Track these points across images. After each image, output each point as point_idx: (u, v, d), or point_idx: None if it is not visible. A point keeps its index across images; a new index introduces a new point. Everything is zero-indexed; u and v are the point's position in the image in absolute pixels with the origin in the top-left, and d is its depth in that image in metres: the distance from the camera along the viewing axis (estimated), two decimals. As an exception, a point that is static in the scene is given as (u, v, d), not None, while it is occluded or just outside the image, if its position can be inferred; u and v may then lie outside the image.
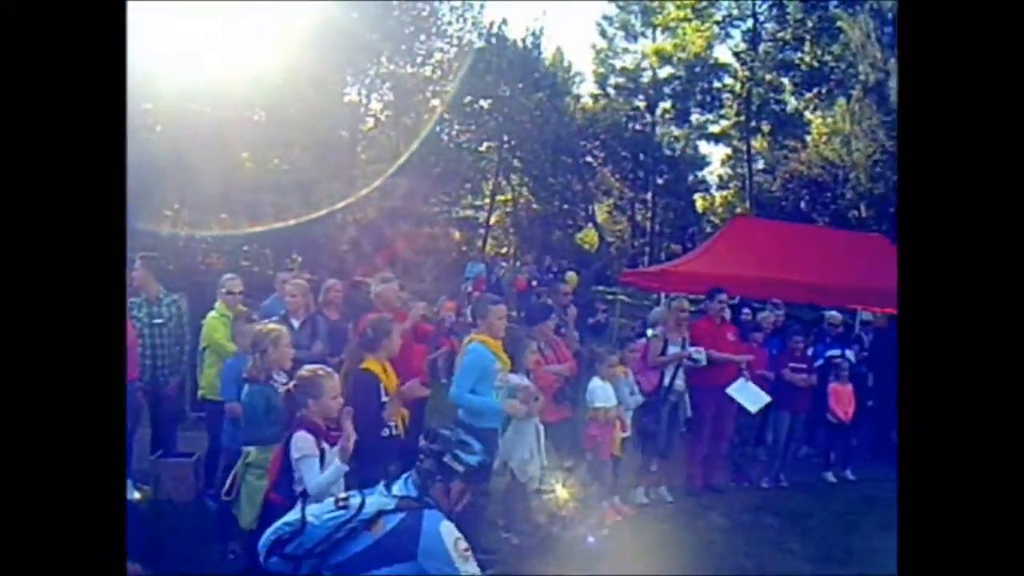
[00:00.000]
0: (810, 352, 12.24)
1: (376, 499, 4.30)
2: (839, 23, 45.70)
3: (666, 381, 9.90)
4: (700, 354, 10.09)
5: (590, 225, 49.74)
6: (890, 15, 46.89)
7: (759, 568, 8.05)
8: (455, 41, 36.93)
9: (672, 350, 10.00)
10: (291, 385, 5.36)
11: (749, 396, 10.45)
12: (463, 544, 4.20)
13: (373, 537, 4.16)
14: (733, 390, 10.34)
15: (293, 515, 4.32)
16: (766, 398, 10.63)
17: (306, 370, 5.52)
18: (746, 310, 13.15)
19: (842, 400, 11.90)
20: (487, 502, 7.91)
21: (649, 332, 11.03)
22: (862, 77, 46.02)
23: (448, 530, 4.19)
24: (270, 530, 4.30)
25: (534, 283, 24.43)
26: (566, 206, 47.60)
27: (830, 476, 11.97)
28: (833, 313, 13.79)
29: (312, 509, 4.30)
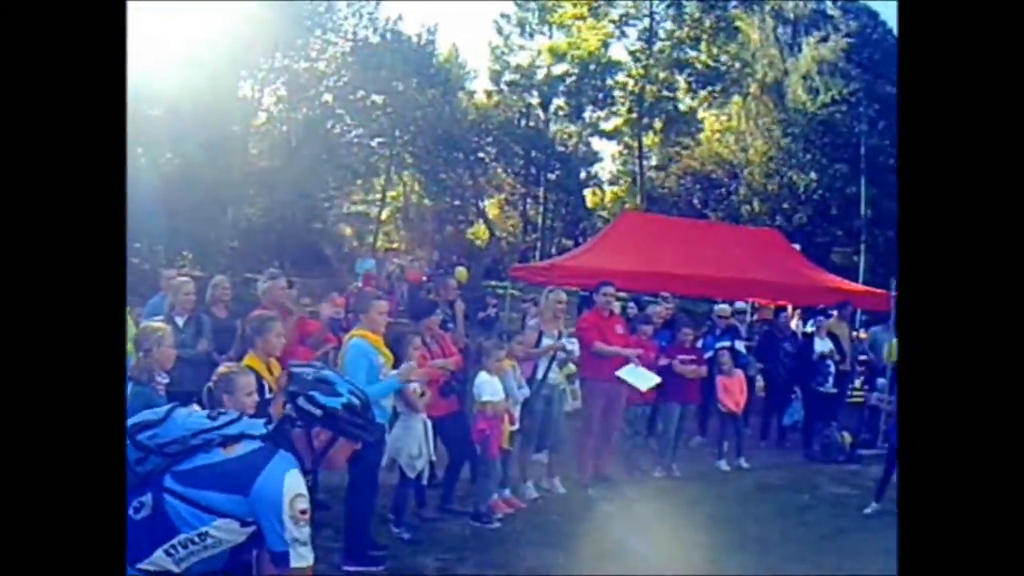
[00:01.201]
0: (700, 344, 12.41)
1: (248, 423, 3.92)
2: (737, 23, 46.46)
3: (539, 374, 9.88)
4: (573, 345, 10.14)
5: (481, 220, 49.81)
6: (790, 15, 47.96)
7: (653, 557, 8.07)
8: (350, 36, 36.70)
9: (547, 342, 10.01)
10: (210, 383, 5.19)
11: (638, 377, 10.48)
12: (302, 504, 3.66)
13: (223, 456, 3.72)
14: (623, 373, 10.38)
15: (162, 408, 3.95)
16: (655, 378, 10.67)
17: (223, 367, 5.42)
18: (632, 304, 13.28)
19: (732, 391, 12.13)
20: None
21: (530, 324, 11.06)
22: (759, 76, 46.86)
23: (292, 482, 3.66)
24: (137, 416, 3.88)
25: (425, 278, 24.34)
26: (457, 202, 47.71)
27: (723, 465, 12.14)
28: (722, 306, 14.04)
29: (181, 410, 3.92)
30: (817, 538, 9.20)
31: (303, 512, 3.65)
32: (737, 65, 47.12)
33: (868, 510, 10.34)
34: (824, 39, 46.78)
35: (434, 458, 8.31)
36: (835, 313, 15.33)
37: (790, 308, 18.19)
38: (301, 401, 3.76)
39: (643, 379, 10.52)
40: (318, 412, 3.74)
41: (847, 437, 13.36)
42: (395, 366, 7.64)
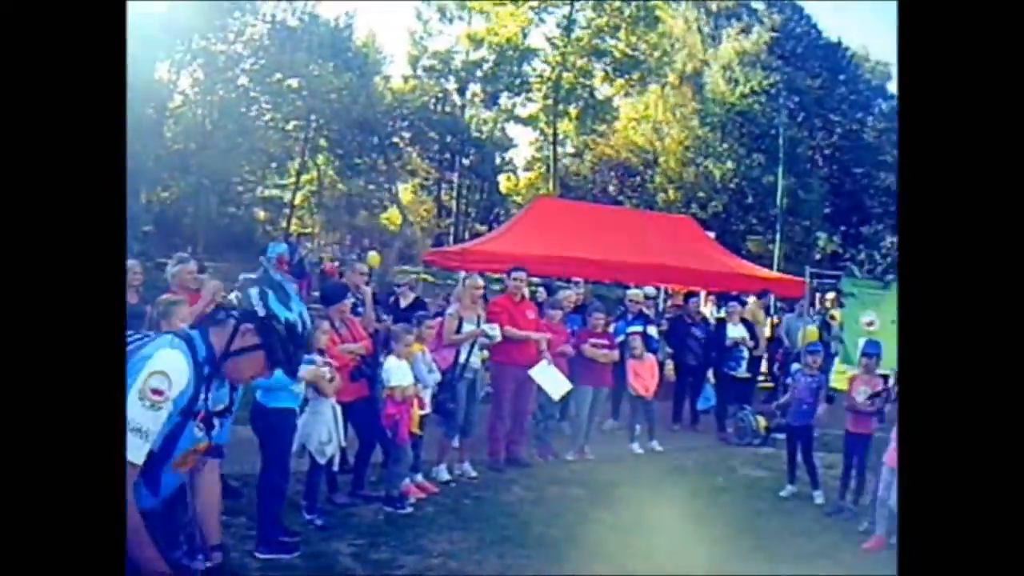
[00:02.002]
0: (612, 329, 12.42)
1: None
2: (658, 12, 46.80)
3: (462, 358, 9.84)
4: (494, 330, 10.08)
5: (395, 205, 49.71)
6: (713, 6, 48.49)
7: (566, 539, 8.05)
8: (268, 19, 36.29)
9: (467, 327, 9.96)
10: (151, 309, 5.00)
11: (551, 381, 10.56)
12: (157, 383, 3.24)
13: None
14: (535, 373, 10.40)
15: None
16: (567, 385, 10.76)
17: (163, 297, 5.83)
18: (541, 289, 13.27)
19: (642, 375, 12.14)
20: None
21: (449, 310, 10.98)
22: (678, 66, 47.32)
23: (162, 359, 3.30)
24: None
25: (337, 263, 24.15)
26: (372, 186, 47.53)
27: (636, 448, 12.17)
28: (634, 291, 14.07)
29: None
30: (733, 519, 9.22)
31: (156, 393, 3.24)
32: (656, 54, 47.52)
33: (784, 492, 10.44)
34: (746, 31, 47.41)
35: (344, 443, 8.21)
36: (752, 299, 15.49)
37: (702, 294, 18.34)
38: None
39: (554, 384, 10.61)
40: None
41: (761, 421, 13.47)
42: (307, 350, 7.46)
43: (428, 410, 9.22)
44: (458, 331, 9.92)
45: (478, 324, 10.06)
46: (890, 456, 8.53)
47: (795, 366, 14.59)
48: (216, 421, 3.57)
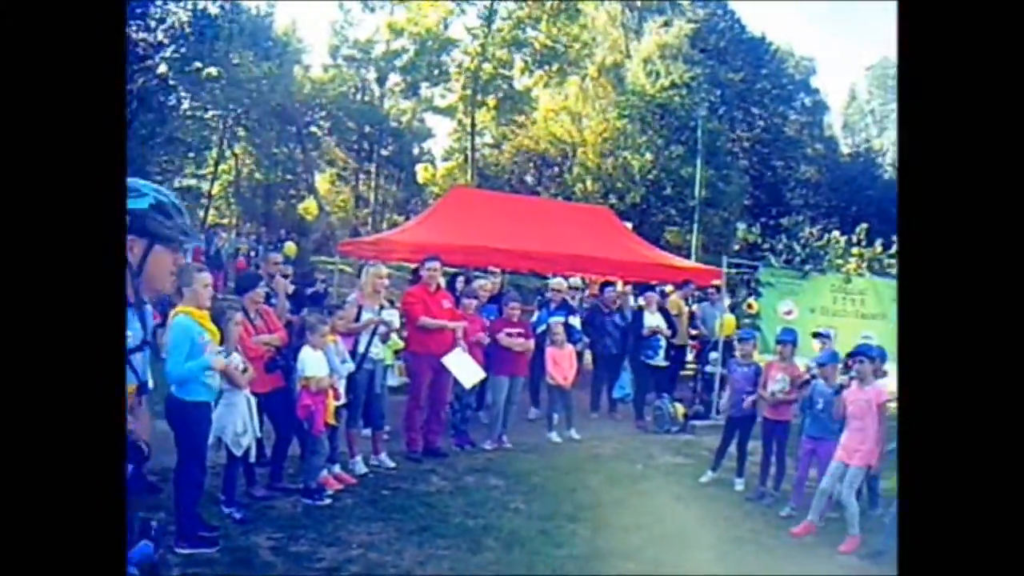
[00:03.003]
0: (532, 318, 12.43)
1: None
2: (580, 5, 46.97)
3: (361, 348, 9.74)
4: (392, 316, 10.02)
5: (312, 195, 49.42)
6: (638, 2, 48.75)
7: (484, 529, 8.04)
8: (189, 6, 35.73)
9: (367, 316, 9.87)
10: None
11: (464, 369, 10.52)
12: None
13: None
14: (448, 361, 10.37)
15: None
16: (481, 373, 10.75)
17: None
18: (459, 280, 13.24)
19: (561, 364, 12.13)
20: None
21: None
22: (599, 58, 47.53)
23: None
24: None
25: (253, 254, 23.90)
26: (289, 176, 47.18)
27: (555, 436, 12.18)
28: (557, 280, 14.09)
29: None
30: (652, 506, 9.27)
31: None
32: (576, 47, 47.69)
33: (704, 479, 10.51)
34: (669, 25, 47.79)
35: (259, 435, 8.09)
36: (672, 289, 15.61)
37: (619, 284, 18.43)
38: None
39: (468, 372, 10.57)
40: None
41: (680, 408, 13.58)
42: (221, 341, 7.38)
43: (343, 400, 9.13)
44: (357, 319, 9.83)
45: (379, 313, 9.97)
46: (843, 452, 8.69)
47: (713, 355, 14.79)
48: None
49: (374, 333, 9.86)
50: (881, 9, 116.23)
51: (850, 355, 9.28)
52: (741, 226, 44.61)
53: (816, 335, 11.40)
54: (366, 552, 7.23)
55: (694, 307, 16.63)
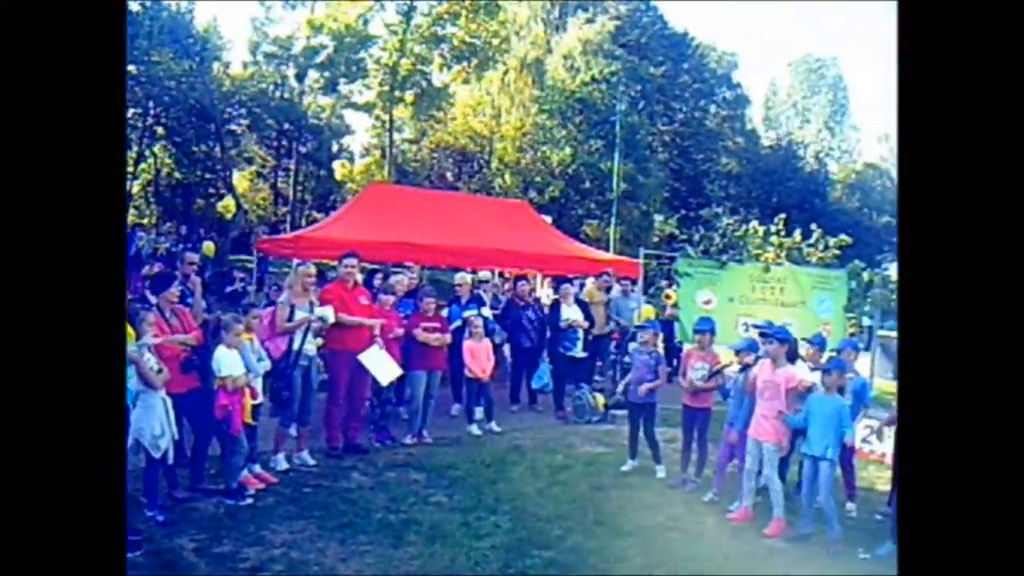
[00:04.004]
0: (446, 313, 12.45)
1: None
2: (500, 1, 46.95)
3: (295, 346, 9.71)
4: (327, 312, 9.97)
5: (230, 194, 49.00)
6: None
7: (406, 523, 8.06)
8: (108, 2, 35.15)
9: (299, 314, 9.82)
10: None
11: (380, 366, 10.52)
12: None
13: None
14: (365, 358, 10.38)
15: None
16: (397, 370, 10.74)
17: None
18: (379, 275, 13.21)
19: (479, 357, 12.17)
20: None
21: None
22: (519, 53, 47.56)
23: None
24: None
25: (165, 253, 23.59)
26: (209, 175, 46.62)
27: (475, 429, 12.22)
28: (461, 275, 14.13)
29: None
30: (574, 495, 9.37)
31: None
32: (495, 42, 47.68)
33: (625, 467, 10.60)
34: (591, 20, 47.99)
35: (177, 436, 8.01)
36: (590, 281, 15.70)
37: (539, 277, 18.51)
38: None
39: (384, 370, 10.58)
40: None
41: (599, 399, 13.70)
42: (136, 340, 7.34)
43: (260, 399, 9.09)
44: (290, 318, 9.78)
45: (311, 311, 9.92)
46: (754, 430, 8.86)
47: (632, 345, 14.90)
48: None
49: (307, 331, 9.84)
50: (805, 7, 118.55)
51: (762, 334, 9.43)
52: (659, 218, 45.10)
53: (756, 326, 11.56)
54: (288, 551, 7.22)
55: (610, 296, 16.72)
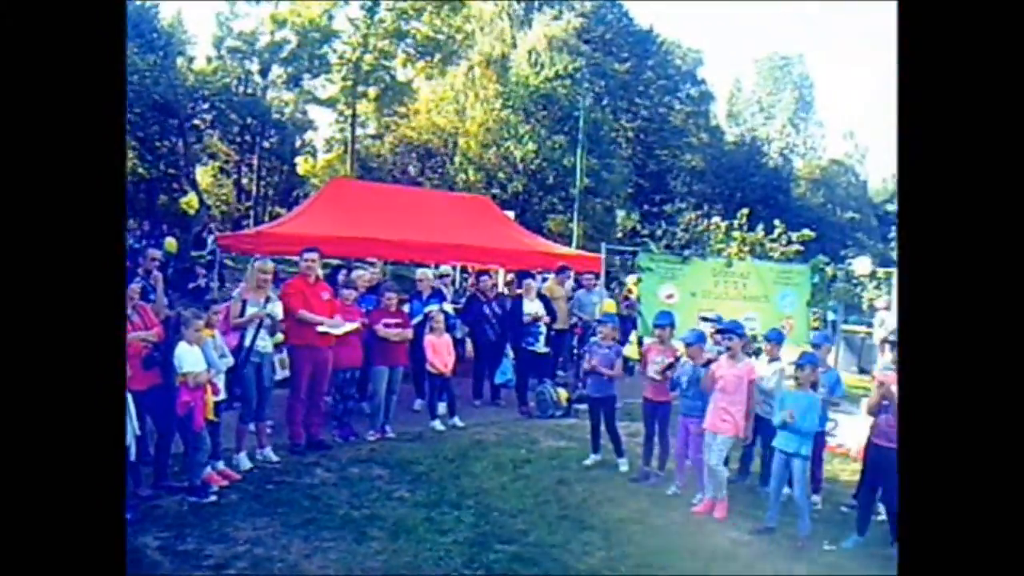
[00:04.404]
0: (408, 308, 12.45)
1: None
2: (464, -2, 46.94)
3: (247, 342, 9.67)
4: (276, 308, 9.95)
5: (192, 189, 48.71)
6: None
7: (369, 519, 8.09)
8: (67, -2, 34.91)
9: (250, 310, 9.80)
10: None
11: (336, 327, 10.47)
12: None
13: None
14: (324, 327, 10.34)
15: None
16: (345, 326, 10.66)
17: None
18: (342, 272, 13.18)
19: (440, 352, 12.18)
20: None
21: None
22: (485, 49, 47.51)
23: None
24: None
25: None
26: (172, 170, 46.26)
27: (438, 424, 12.22)
28: (423, 270, 14.12)
29: None
30: (537, 491, 9.41)
31: None
32: (459, 37, 47.65)
33: (588, 461, 10.65)
34: (557, 17, 48.04)
35: (139, 433, 8.02)
36: (552, 277, 15.75)
37: (502, 272, 18.54)
38: None
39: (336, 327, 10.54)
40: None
41: (562, 393, 13.76)
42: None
43: (222, 396, 9.06)
44: (242, 314, 9.75)
45: (264, 307, 9.90)
46: (712, 423, 8.97)
47: (594, 339, 14.98)
48: None
49: (259, 327, 9.79)
50: (771, 5, 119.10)
51: (720, 331, 9.52)
52: (621, 213, 45.23)
53: (705, 319, 11.64)
54: (252, 548, 7.22)
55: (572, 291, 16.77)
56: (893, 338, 9.64)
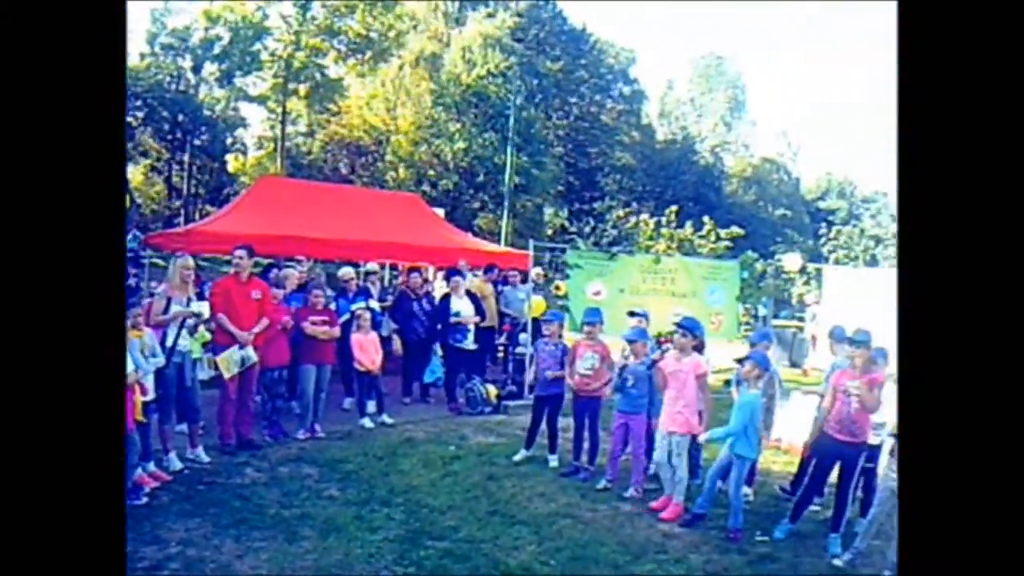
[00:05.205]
0: (334, 306, 12.44)
1: None
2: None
3: (169, 341, 9.59)
4: (202, 307, 9.92)
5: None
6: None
7: (300, 518, 8.11)
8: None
9: (175, 308, 9.72)
10: None
11: (230, 361, 10.35)
12: None
13: None
14: (220, 358, 10.26)
15: None
16: (240, 363, 10.54)
17: None
18: (275, 270, 13.14)
19: (367, 350, 12.18)
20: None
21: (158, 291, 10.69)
22: (417, 47, 47.46)
23: None
24: None
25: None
26: (103, 169, 45.79)
27: (367, 422, 12.20)
28: (346, 268, 14.11)
29: None
30: (467, 487, 9.48)
31: None
32: (391, 35, 47.58)
33: (517, 457, 10.75)
34: (492, 15, 48.13)
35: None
36: (480, 274, 15.81)
37: (431, 269, 18.56)
38: None
39: (233, 362, 10.37)
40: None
41: (492, 390, 13.83)
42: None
43: (151, 396, 9.00)
44: (165, 311, 9.65)
45: (187, 305, 9.82)
46: (663, 421, 9.09)
47: (523, 336, 15.05)
48: None
49: (182, 325, 9.73)
50: (707, 5, 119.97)
51: (678, 325, 9.62)
52: (549, 210, 45.43)
53: (632, 314, 11.75)
54: (185, 549, 7.18)
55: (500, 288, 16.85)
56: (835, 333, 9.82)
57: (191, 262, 10.20)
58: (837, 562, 7.86)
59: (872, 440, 8.59)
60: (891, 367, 8.78)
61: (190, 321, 9.78)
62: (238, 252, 10.57)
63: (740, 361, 9.01)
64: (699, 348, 9.32)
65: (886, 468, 7.97)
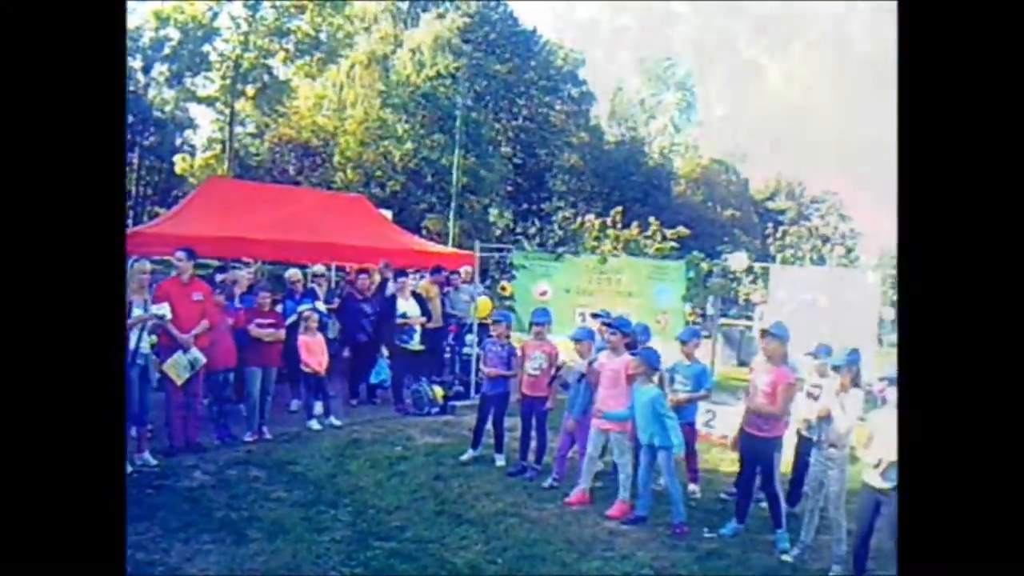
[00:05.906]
0: (281, 308, 12.44)
1: None
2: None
3: (131, 344, 9.57)
4: (163, 310, 9.91)
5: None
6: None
7: (248, 520, 8.12)
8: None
9: (135, 312, 9.72)
10: None
11: (178, 367, 10.35)
12: None
13: None
14: (166, 366, 10.27)
15: None
16: (190, 367, 10.50)
17: None
18: (221, 273, 13.10)
19: (313, 351, 12.19)
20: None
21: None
22: (367, 47, 47.29)
23: None
24: None
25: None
26: (51, 172, 45.30)
27: (314, 424, 12.22)
28: (292, 270, 14.12)
29: None
30: (414, 487, 9.55)
31: None
32: (340, 36, 47.40)
33: (465, 457, 10.84)
34: (442, 16, 48.05)
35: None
36: (428, 276, 15.86)
37: (376, 272, 18.57)
38: None
39: (180, 368, 10.35)
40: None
41: (438, 390, 13.89)
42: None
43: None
44: (128, 316, 9.62)
45: (146, 309, 9.84)
46: (595, 420, 9.22)
47: (469, 337, 15.13)
48: None
49: (143, 329, 9.75)
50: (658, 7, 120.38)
51: (607, 324, 9.72)
52: (494, 211, 45.49)
53: (595, 316, 11.87)
54: (134, 552, 7.14)
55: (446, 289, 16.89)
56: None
57: (148, 266, 10.20)
58: (786, 557, 7.99)
59: (805, 433, 8.77)
60: (801, 372, 9.04)
61: (150, 324, 9.81)
62: (178, 254, 10.57)
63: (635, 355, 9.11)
64: (631, 346, 9.42)
65: (818, 459, 8.02)
